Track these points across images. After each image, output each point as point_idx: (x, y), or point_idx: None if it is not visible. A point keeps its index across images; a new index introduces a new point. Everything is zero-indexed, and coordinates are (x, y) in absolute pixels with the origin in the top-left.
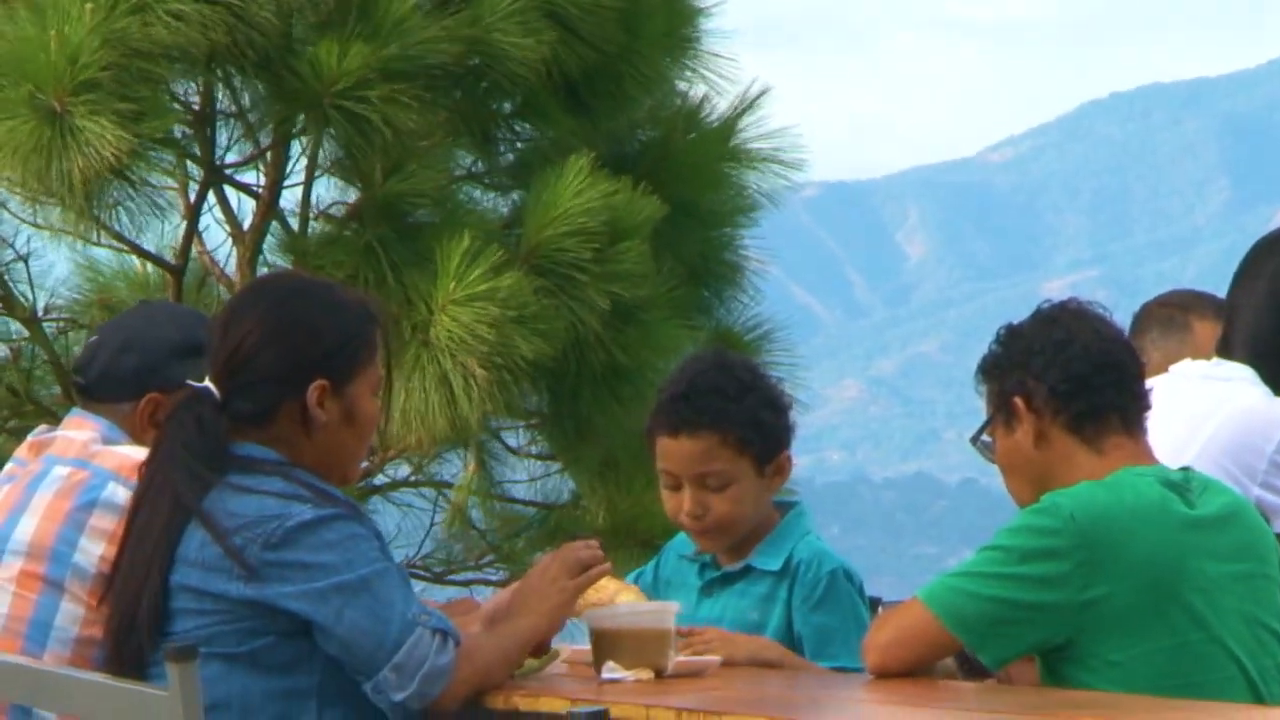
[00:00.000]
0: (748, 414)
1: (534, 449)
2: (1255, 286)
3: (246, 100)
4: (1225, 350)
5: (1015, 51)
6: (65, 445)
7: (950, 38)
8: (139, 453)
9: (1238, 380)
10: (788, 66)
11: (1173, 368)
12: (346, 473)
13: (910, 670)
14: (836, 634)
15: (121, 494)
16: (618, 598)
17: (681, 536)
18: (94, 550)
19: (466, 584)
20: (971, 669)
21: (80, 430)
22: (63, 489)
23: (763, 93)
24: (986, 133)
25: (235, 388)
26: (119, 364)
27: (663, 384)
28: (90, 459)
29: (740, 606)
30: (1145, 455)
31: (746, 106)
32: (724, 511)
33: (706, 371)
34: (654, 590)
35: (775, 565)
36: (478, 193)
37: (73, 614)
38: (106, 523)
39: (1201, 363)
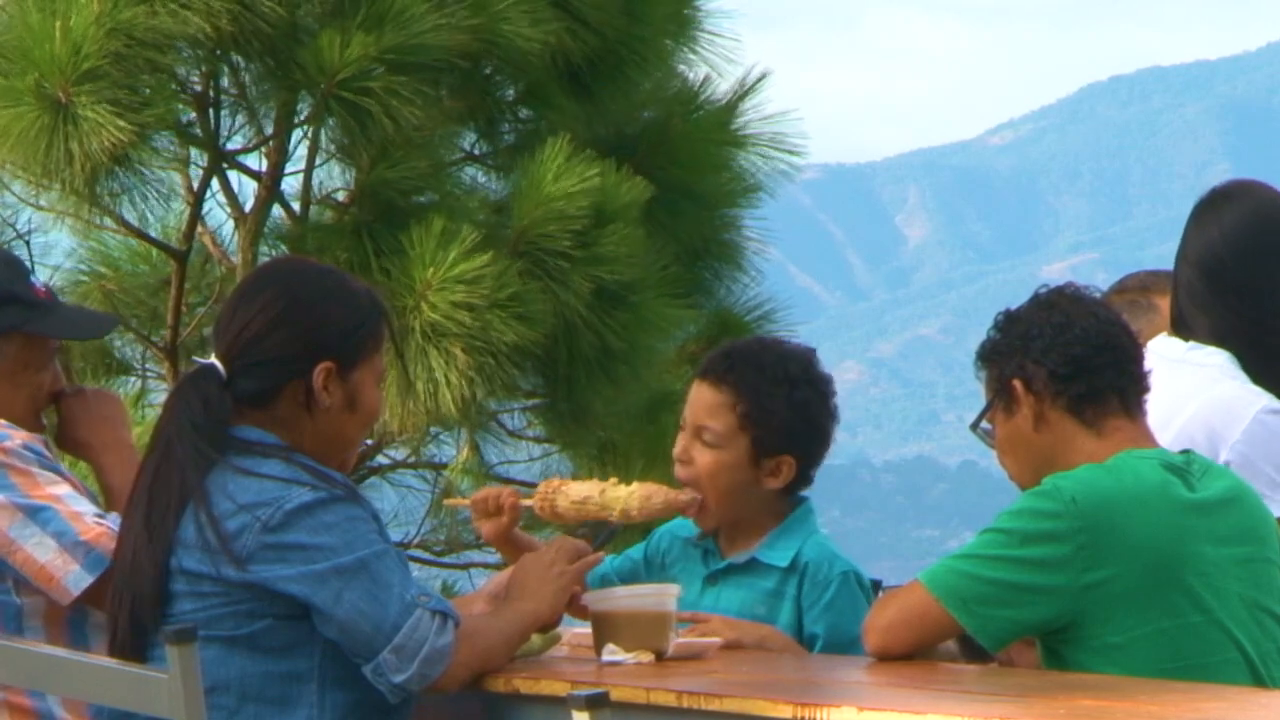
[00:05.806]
0: (770, 400)
1: (530, 433)
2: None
3: (250, 86)
4: (1182, 328)
5: (1015, 34)
6: None
7: (950, 19)
8: None
9: (1212, 367)
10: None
11: (1150, 345)
12: (344, 459)
13: (911, 652)
14: (850, 638)
15: None
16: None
17: (681, 521)
18: None
19: (464, 567)
20: (973, 651)
21: None
22: None
23: (763, 76)
24: (987, 115)
25: (241, 367)
26: None
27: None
28: None
29: (745, 599)
30: (1145, 437)
31: (747, 90)
32: (704, 465)
33: (765, 349)
34: (644, 571)
35: (783, 561)
36: (476, 176)
37: None
38: None
39: (1178, 343)
